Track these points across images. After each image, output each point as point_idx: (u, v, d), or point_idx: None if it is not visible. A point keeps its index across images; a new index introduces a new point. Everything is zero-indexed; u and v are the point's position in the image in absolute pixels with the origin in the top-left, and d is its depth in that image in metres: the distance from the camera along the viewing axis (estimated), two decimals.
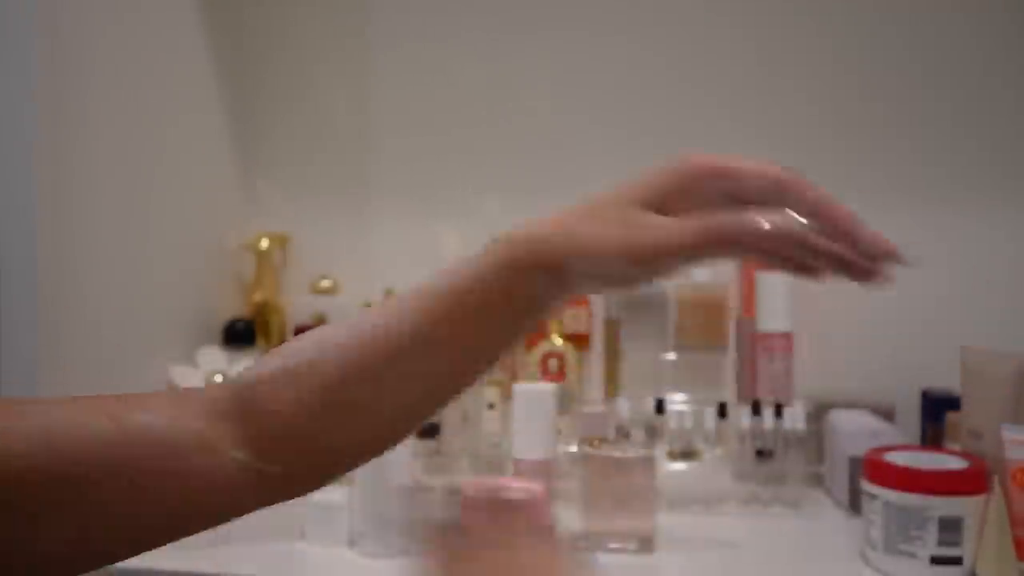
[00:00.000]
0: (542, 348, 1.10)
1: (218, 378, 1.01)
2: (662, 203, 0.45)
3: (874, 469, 0.80)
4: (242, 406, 0.45)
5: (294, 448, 0.46)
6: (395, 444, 0.48)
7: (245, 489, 0.45)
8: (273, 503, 0.47)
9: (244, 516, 0.47)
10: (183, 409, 0.45)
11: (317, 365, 0.45)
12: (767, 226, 0.42)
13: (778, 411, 0.97)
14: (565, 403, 1.04)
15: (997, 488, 0.75)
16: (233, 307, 1.23)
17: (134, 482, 0.42)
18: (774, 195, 0.44)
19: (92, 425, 0.41)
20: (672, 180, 0.45)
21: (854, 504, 0.92)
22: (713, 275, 1.14)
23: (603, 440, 0.89)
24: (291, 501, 0.48)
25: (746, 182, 0.44)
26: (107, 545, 0.43)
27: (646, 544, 0.85)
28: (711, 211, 0.44)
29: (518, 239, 0.46)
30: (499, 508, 0.75)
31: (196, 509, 0.45)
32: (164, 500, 0.43)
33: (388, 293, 1.12)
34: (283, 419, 0.45)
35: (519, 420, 0.90)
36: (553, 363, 1.10)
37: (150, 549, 0.44)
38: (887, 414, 1.07)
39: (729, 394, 1.13)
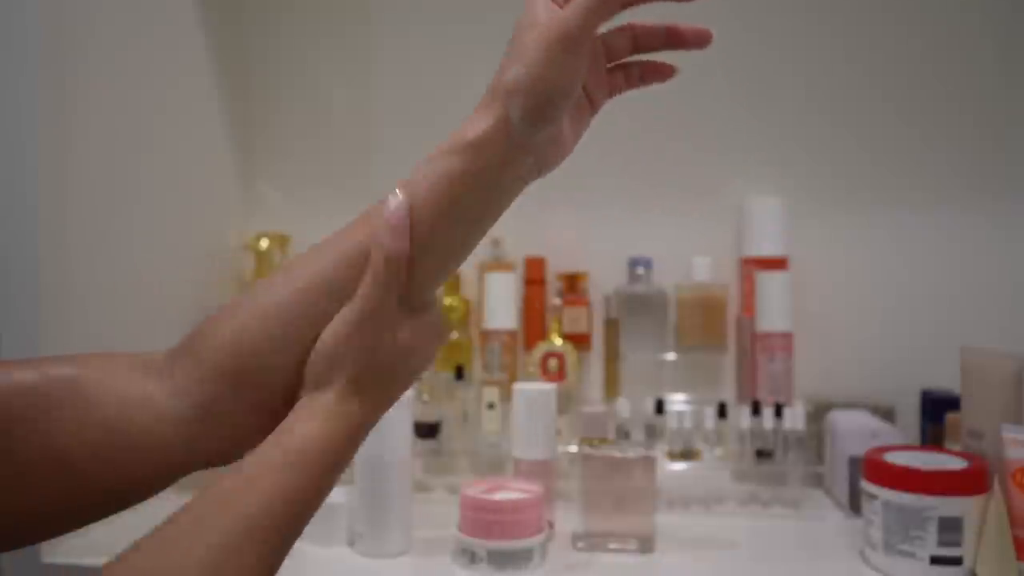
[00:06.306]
0: (542, 348, 1.10)
1: None
2: None
3: (874, 469, 0.80)
4: (176, 358, 0.48)
5: (230, 383, 0.47)
6: None
7: (177, 442, 0.46)
8: (207, 459, 0.48)
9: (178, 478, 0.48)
10: (114, 366, 0.47)
11: (255, 297, 0.48)
12: None
13: (778, 411, 0.97)
14: (565, 403, 1.04)
15: (997, 488, 0.75)
16: None
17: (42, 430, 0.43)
18: None
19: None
20: None
21: (854, 504, 0.92)
22: (713, 275, 1.14)
23: (603, 440, 0.89)
24: None
25: None
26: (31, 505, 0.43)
27: (646, 544, 0.85)
28: None
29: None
30: None
31: (134, 470, 0.46)
32: (95, 455, 0.44)
33: None
34: (223, 350, 0.47)
35: (519, 420, 0.90)
36: (553, 363, 1.10)
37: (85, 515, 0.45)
38: (887, 414, 1.07)
39: (729, 394, 1.13)
